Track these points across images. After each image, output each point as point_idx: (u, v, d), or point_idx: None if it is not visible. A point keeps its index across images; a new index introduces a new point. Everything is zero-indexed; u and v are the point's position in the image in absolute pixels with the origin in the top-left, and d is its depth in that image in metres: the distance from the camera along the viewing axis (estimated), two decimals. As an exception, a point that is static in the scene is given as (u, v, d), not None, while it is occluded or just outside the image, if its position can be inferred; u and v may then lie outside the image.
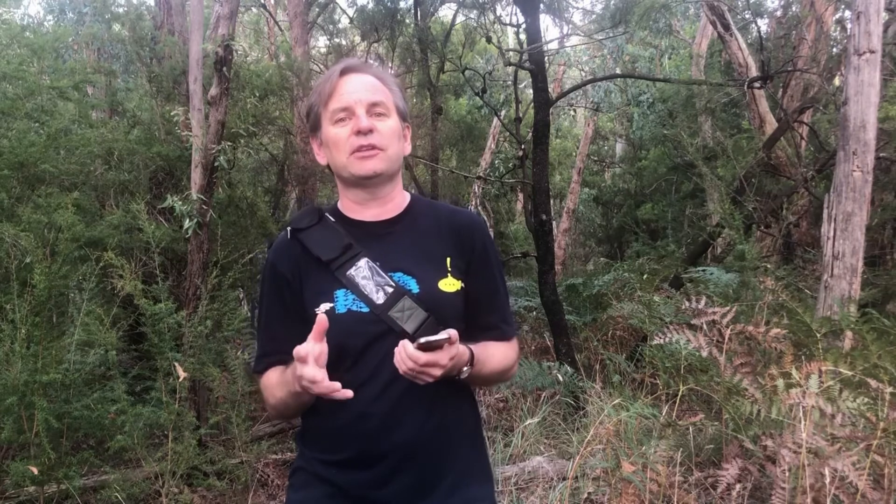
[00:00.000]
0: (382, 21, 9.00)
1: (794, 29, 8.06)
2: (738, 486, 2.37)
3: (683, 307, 3.46)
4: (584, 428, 3.73)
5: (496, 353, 1.32)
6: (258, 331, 1.38)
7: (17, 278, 3.09)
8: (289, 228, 1.33)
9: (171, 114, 4.88)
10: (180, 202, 3.87)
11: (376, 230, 1.31)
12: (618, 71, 11.00)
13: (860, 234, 3.44)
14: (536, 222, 5.44)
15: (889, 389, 2.24)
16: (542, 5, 6.73)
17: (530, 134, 6.40)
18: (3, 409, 2.80)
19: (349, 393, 1.12)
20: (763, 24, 10.27)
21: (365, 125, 1.23)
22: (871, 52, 3.41)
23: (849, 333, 3.17)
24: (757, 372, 2.76)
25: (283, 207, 8.16)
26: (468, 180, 10.54)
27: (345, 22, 12.23)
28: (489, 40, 7.80)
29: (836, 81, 7.00)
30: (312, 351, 1.10)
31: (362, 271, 1.25)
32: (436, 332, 1.10)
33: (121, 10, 8.33)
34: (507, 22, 8.23)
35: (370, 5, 9.35)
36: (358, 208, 1.33)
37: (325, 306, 1.22)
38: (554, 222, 8.24)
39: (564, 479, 3.18)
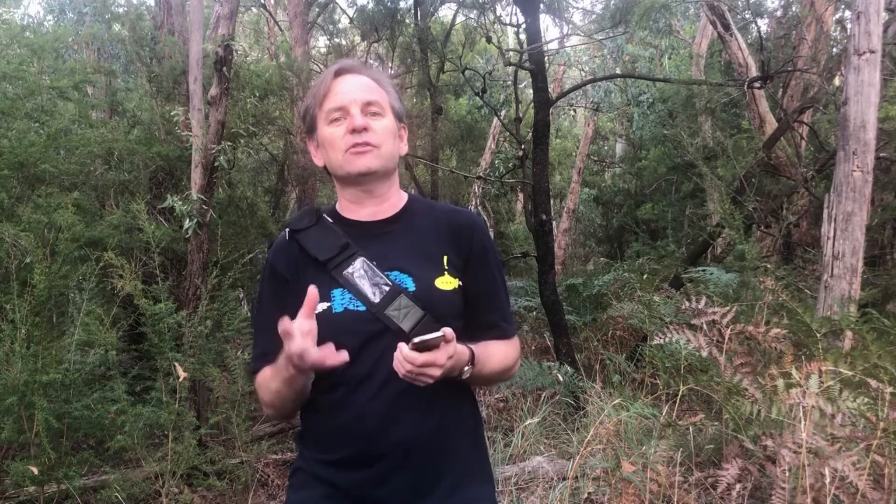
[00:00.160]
0: (382, 21, 9.01)
1: (794, 29, 8.06)
2: (738, 486, 2.37)
3: (683, 307, 3.47)
4: (584, 428, 3.73)
5: (497, 353, 1.32)
6: (256, 331, 1.39)
7: (17, 278, 3.10)
8: (287, 229, 1.34)
9: (171, 114, 4.88)
10: (180, 202, 3.87)
11: (373, 230, 1.32)
12: (618, 71, 10.99)
13: (860, 234, 3.44)
14: (536, 222, 5.44)
15: (889, 389, 2.24)
16: (542, 5, 6.73)
17: (530, 134, 6.41)
18: (3, 409, 2.80)
19: (344, 356, 1.12)
20: (763, 24, 10.28)
21: (359, 123, 1.24)
22: (871, 52, 3.41)
23: (849, 333, 3.17)
24: (757, 372, 2.76)
25: (283, 207, 8.17)
26: (468, 180, 10.54)
27: (345, 22, 12.25)
28: (489, 40, 7.80)
29: (836, 81, 6.99)
30: (301, 326, 1.10)
31: (359, 270, 1.25)
32: (433, 331, 1.09)
33: (121, 10, 8.34)
34: (507, 22, 8.24)
35: (370, 5, 9.36)
36: (355, 208, 1.33)
37: (321, 306, 1.22)
38: (554, 222, 8.24)
39: (564, 479, 3.17)
